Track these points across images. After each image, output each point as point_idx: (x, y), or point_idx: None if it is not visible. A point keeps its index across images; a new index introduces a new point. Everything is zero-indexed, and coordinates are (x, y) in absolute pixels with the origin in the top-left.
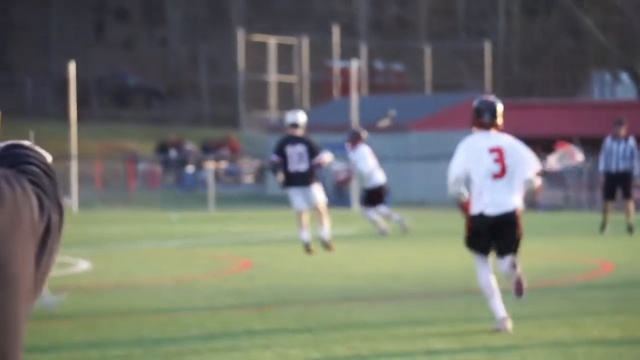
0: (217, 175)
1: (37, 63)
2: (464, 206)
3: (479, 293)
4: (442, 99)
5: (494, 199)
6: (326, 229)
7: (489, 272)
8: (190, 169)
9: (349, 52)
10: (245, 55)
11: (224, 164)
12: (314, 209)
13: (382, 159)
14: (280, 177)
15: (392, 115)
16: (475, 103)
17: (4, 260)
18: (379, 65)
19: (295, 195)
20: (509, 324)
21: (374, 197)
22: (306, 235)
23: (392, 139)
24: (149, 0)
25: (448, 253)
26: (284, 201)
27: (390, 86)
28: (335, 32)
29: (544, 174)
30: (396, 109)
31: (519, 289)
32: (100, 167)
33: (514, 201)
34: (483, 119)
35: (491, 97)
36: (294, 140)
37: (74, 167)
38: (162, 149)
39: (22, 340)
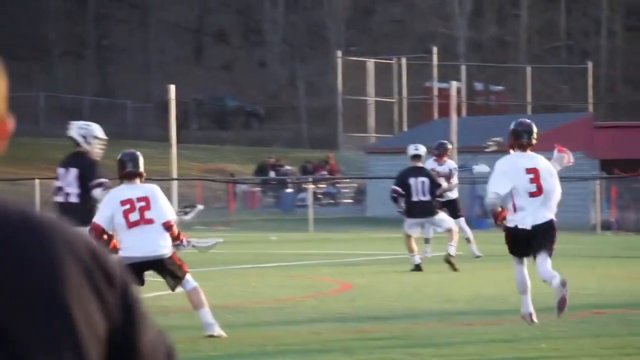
0: (315, 196)
1: (137, 86)
2: (497, 217)
3: (579, 314)
4: (543, 120)
5: (528, 215)
6: (453, 247)
7: (524, 272)
8: (289, 190)
9: (448, 74)
10: (344, 77)
11: (322, 186)
12: (448, 231)
13: (484, 180)
14: (402, 207)
15: (498, 142)
16: (513, 126)
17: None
18: (478, 86)
19: (414, 225)
20: (535, 318)
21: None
22: (417, 258)
23: (494, 160)
24: (247, 23)
25: None
26: (383, 223)
27: (490, 107)
28: (435, 53)
29: None
30: (496, 130)
31: (561, 306)
32: (200, 189)
33: (548, 215)
34: (522, 140)
35: (527, 120)
36: (417, 171)
37: (174, 188)
38: (261, 170)
39: None
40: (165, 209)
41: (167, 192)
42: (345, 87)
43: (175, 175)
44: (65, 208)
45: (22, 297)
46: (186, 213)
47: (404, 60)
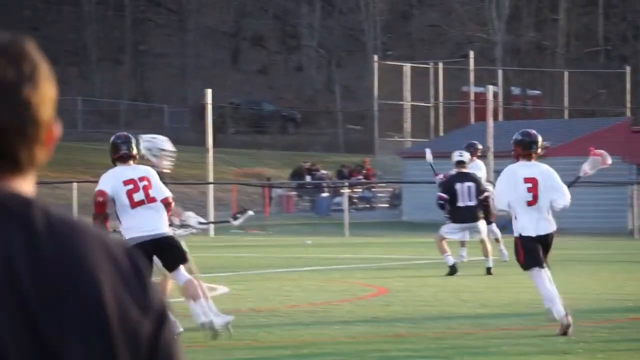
0: (351, 200)
1: (174, 91)
2: None
3: (616, 319)
4: (580, 124)
5: (529, 224)
6: (490, 259)
7: (546, 283)
8: (325, 194)
9: (485, 78)
10: (380, 81)
11: (358, 190)
12: (480, 240)
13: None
14: (448, 212)
15: (545, 146)
16: (520, 136)
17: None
18: (515, 90)
19: (457, 230)
20: (570, 319)
21: None
22: (451, 258)
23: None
24: (284, 27)
25: (587, 281)
26: (419, 227)
27: (527, 112)
28: (471, 57)
29: (578, 180)
30: None
31: (565, 332)
32: (236, 193)
33: (549, 227)
34: (530, 150)
35: (532, 130)
36: (463, 177)
37: (210, 192)
38: (297, 174)
39: None
40: (162, 187)
41: (203, 196)
42: (382, 92)
43: (211, 179)
44: None
45: (57, 293)
46: (236, 218)
47: (440, 65)
